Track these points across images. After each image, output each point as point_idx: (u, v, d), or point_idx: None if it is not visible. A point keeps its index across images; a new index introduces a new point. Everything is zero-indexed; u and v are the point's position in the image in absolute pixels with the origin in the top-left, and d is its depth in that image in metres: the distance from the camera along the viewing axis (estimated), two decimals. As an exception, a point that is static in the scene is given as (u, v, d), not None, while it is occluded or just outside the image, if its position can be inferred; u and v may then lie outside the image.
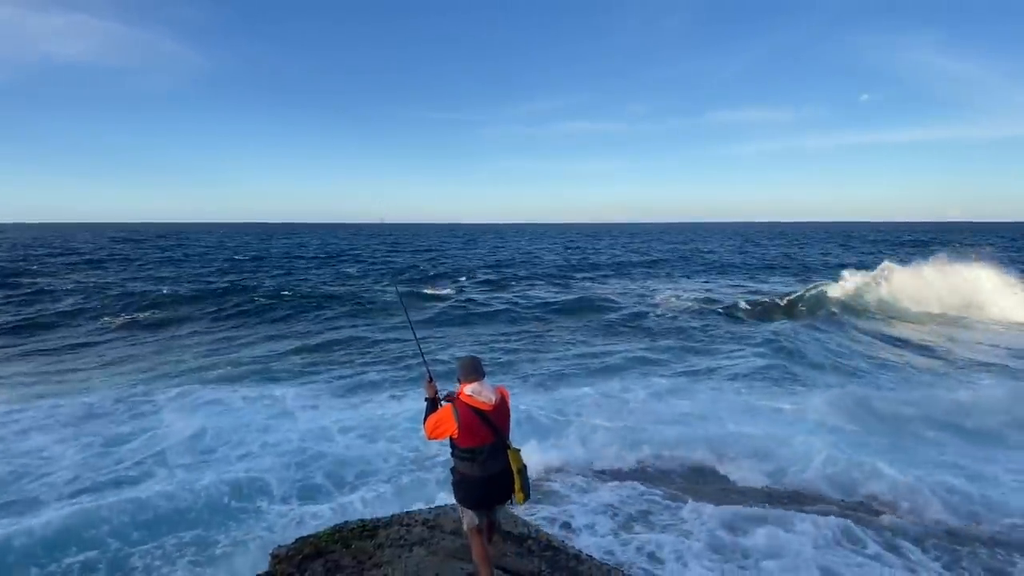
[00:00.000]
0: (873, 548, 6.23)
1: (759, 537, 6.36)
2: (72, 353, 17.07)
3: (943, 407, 10.81)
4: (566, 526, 6.88)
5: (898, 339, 18.36)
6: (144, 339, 18.99)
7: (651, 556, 6.10)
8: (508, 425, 4.15)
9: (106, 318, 22.07)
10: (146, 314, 22.86)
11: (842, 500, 7.79)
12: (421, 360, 5.08)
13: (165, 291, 28.06)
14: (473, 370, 4.09)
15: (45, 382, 13.79)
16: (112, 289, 28.98)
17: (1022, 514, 7.12)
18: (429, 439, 4.15)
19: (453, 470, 4.16)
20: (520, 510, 6.39)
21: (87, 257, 50.08)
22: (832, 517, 6.76)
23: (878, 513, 7.27)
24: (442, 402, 4.22)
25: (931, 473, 8.10)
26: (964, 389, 12.46)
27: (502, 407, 4.10)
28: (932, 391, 12.29)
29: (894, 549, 6.28)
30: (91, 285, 30.54)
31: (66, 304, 24.91)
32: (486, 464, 3.99)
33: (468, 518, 4.16)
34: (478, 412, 3.96)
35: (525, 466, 4.07)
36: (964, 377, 13.93)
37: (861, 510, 7.39)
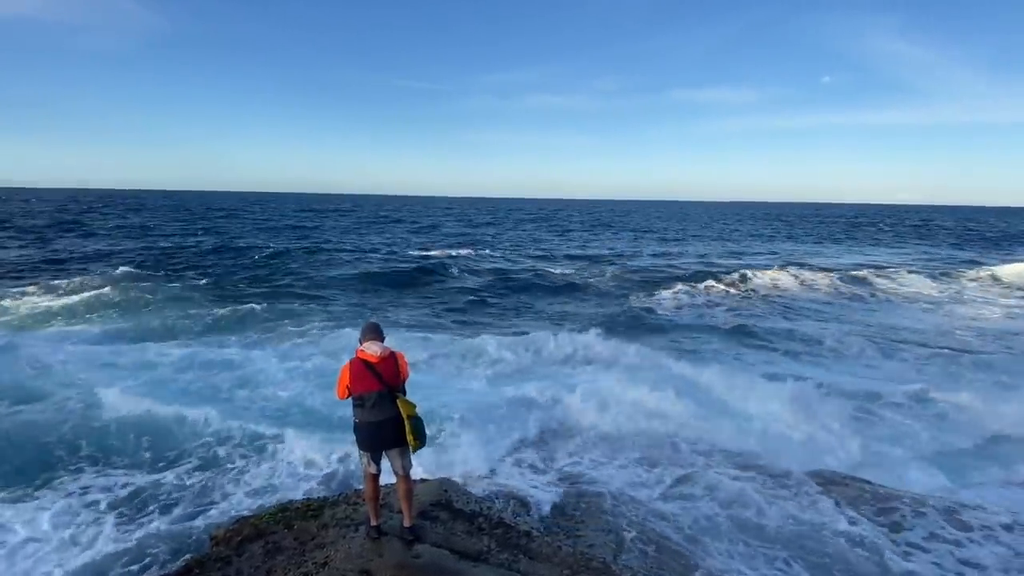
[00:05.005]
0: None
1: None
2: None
3: None
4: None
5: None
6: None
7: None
8: (397, 379, 4.68)
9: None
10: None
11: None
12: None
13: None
14: (370, 331, 4.79)
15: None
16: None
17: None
18: (338, 398, 4.68)
19: (353, 419, 4.72)
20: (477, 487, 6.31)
21: None
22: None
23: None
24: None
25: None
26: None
27: (389, 361, 4.66)
28: None
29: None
30: None
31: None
32: (373, 410, 4.56)
33: (364, 461, 4.78)
34: (366, 363, 4.60)
35: (417, 416, 4.59)
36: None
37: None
